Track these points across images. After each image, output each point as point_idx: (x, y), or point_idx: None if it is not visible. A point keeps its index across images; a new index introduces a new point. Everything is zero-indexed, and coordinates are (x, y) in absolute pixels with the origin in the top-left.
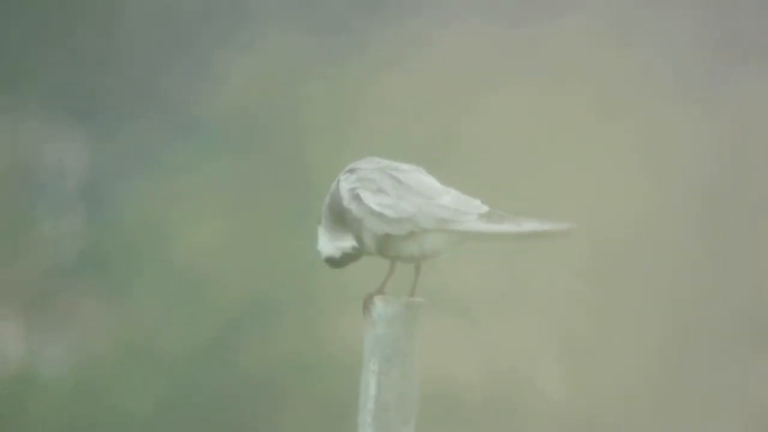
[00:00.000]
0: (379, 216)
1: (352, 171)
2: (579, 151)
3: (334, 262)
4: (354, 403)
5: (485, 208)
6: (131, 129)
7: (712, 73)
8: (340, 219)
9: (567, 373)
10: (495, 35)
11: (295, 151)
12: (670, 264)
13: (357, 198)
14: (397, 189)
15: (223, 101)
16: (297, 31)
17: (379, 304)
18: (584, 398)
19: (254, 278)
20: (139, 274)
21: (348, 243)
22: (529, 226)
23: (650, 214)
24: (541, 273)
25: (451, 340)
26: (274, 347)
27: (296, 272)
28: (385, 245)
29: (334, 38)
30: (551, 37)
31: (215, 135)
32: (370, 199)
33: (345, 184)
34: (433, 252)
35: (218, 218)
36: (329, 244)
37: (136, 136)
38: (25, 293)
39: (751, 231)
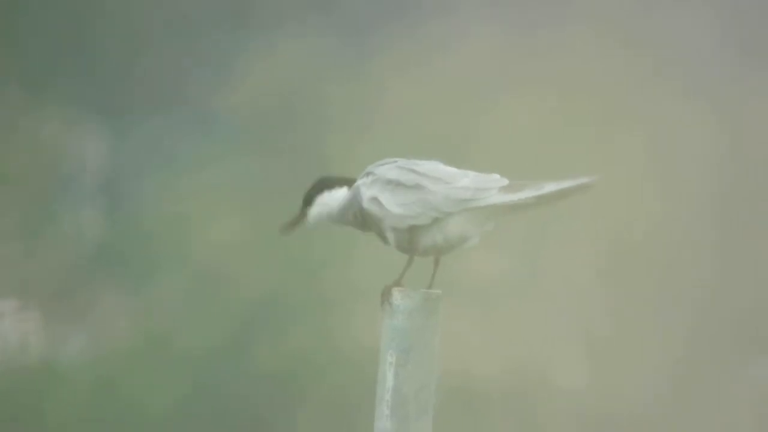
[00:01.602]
0: (401, 215)
1: (368, 174)
2: (591, 153)
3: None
4: (369, 399)
5: (505, 181)
6: (151, 126)
7: (720, 76)
8: (361, 222)
9: (585, 367)
10: (510, 40)
11: (313, 149)
12: (686, 260)
13: (377, 202)
14: (416, 179)
15: (243, 99)
16: (317, 31)
17: (397, 296)
18: (603, 392)
19: (271, 275)
20: (157, 270)
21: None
22: (549, 187)
23: (667, 212)
24: (560, 266)
25: (470, 333)
26: (289, 343)
27: (311, 270)
28: (410, 239)
29: (353, 39)
30: (563, 42)
31: (234, 133)
32: (390, 201)
33: (365, 189)
34: (459, 238)
35: (236, 215)
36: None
37: (155, 134)
38: (46, 288)
39: (762, 230)
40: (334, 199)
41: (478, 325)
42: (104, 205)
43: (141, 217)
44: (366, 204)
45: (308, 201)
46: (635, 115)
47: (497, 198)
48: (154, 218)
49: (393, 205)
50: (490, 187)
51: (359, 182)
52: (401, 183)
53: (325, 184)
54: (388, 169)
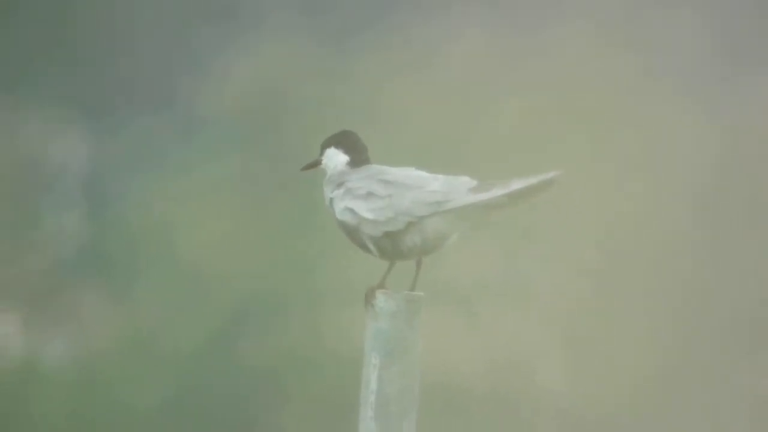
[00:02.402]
0: (374, 220)
1: (340, 185)
2: (585, 154)
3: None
4: (355, 397)
5: (474, 183)
6: (135, 127)
7: (715, 77)
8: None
9: (568, 366)
10: (503, 41)
11: (299, 150)
12: (672, 261)
13: (350, 211)
14: (386, 188)
15: (227, 100)
16: (303, 31)
17: (380, 298)
18: (585, 391)
19: (257, 275)
20: (142, 272)
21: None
22: (516, 185)
23: (652, 213)
24: (542, 267)
25: (453, 334)
26: (276, 343)
27: (298, 269)
28: (387, 244)
29: (341, 40)
30: (558, 43)
31: (219, 134)
32: (362, 207)
33: (338, 201)
34: (435, 238)
35: (221, 216)
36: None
37: (139, 135)
38: (29, 289)
39: (754, 231)
40: (333, 161)
41: (462, 325)
42: (88, 206)
43: (125, 218)
44: (339, 215)
45: (323, 148)
46: (628, 116)
47: (467, 199)
48: (138, 220)
49: (365, 211)
50: (459, 188)
51: (333, 194)
52: (372, 192)
53: (340, 141)
54: (359, 179)
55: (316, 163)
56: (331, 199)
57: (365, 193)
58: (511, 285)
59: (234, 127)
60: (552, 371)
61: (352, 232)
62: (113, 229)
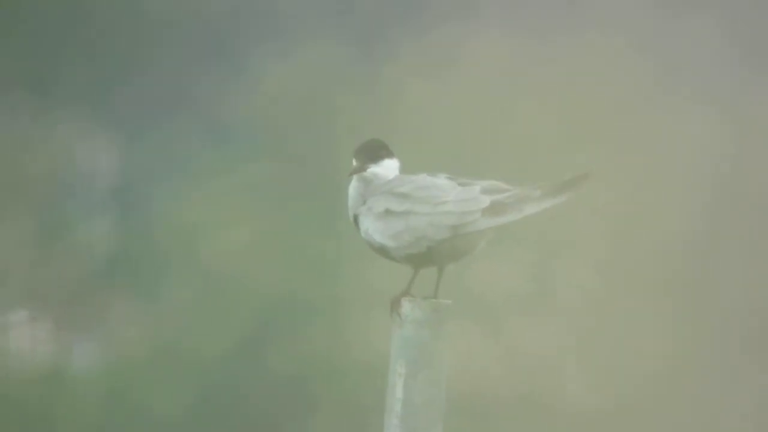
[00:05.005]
0: (396, 247)
1: (365, 201)
2: (609, 159)
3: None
4: (381, 403)
5: (486, 202)
6: (162, 134)
7: (734, 81)
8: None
9: (594, 374)
10: (520, 45)
11: (324, 156)
12: (699, 270)
13: (371, 235)
14: (402, 203)
15: (254, 107)
16: (328, 38)
17: (406, 306)
18: (611, 398)
19: (282, 281)
20: (168, 277)
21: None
22: (529, 209)
23: (677, 221)
24: (567, 275)
25: (478, 342)
26: (302, 349)
27: (324, 275)
28: (413, 259)
29: (365, 46)
30: (574, 48)
31: (245, 140)
32: (383, 232)
33: (363, 219)
34: (459, 253)
35: (247, 222)
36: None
37: (167, 141)
38: (57, 295)
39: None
40: (389, 171)
41: (487, 333)
42: (116, 212)
43: (153, 225)
44: (364, 235)
45: (374, 158)
46: (648, 120)
47: (482, 224)
48: (165, 225)
49: (387, 239)
50: (473, 210)
51: (358, 210)
52: (391, 211)
53: (389, 151)
54: (380, 193)
55: (361, 170)
56: (356, 216)
57: (383, 211)
58: (536, 293)
59: (261, 134)
60: (578, 379)
61: (377, 250)
62: (142, 235)
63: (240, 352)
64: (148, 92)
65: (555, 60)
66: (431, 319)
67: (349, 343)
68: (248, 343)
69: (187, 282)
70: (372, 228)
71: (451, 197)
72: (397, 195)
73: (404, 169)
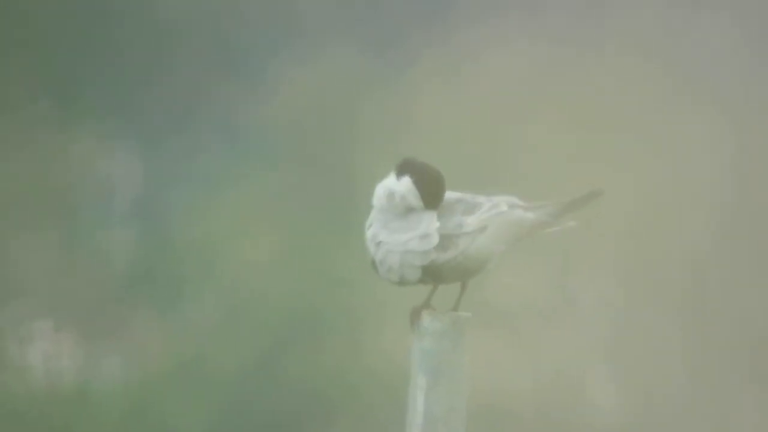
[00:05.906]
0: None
1: (369, 227)
2: (627, 168)
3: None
4: (400, 418)
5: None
6: (181, 144)
7: (750, 92)
8: None
9: (615, 385)
10: (541, 52)
11: (344, 164)
12: (720, 276)
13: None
14: (386, 236)
15: (273, 115)
16: (347, 44)
17: (426, 319)
18: (633, 409)
19: (302, 293)
20: (189, 290)
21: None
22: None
23: (696, 228)
24: (587, 286)
25: (499, 354)
26: (321, 362)
27: (344, 287)
28: (425, 279)
29: (385, 52)
30: (596, 54)
31: (265, 149)
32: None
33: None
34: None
35: (268, 233)
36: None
37: (185, 151)
38: (79, 309)
39: None
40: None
41: (508, 344)
42: (137, 223)
43: (174, 236)
44: (373, 254)
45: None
46: (668, 132)
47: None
48: (184, 237)
49: (383, 273)
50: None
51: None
52: (382, 242)
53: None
54: (374, 230)
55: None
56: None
57: (378, 243)
58: (557, 304)
59: (281, 143)
60: (599, 391)
61: (397, 283)
62: (163, 246)
63: (262, 365)
64: (165, 102)
65: (575, 65)
66: (451, 331)
67: (369, 357)
68: (270, 357)
69: (208, 295)
70: (375, 258)
71: (418, 231)
72: (382, 227)
73: None
